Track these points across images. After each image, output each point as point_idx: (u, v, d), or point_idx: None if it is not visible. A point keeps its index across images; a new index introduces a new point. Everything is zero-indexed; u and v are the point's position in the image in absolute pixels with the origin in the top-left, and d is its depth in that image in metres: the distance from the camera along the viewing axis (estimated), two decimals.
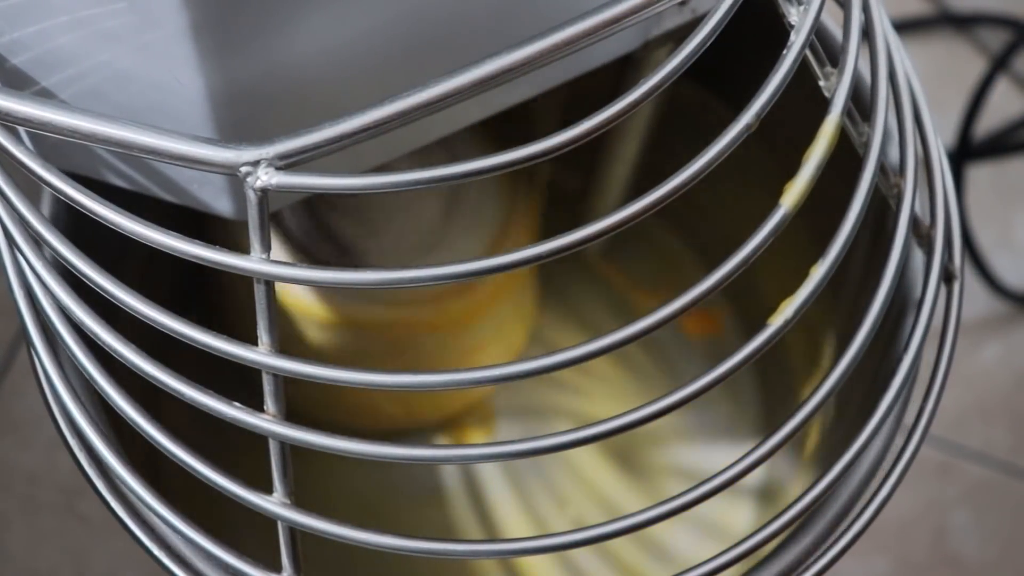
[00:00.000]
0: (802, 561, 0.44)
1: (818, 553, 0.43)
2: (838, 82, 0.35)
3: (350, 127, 0.31)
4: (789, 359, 0.63)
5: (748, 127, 0.33)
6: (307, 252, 0.57)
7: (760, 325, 0.35)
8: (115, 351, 0.36)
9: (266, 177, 0.32)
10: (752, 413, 0.68)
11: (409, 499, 0.66)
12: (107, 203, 0.33)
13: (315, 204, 0.57)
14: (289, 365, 0.34)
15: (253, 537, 0.42)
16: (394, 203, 0.58)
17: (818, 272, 0.35)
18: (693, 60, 0.33)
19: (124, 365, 0.36)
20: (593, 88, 0.49)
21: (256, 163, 0.32)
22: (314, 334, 0.58)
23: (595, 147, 0.61)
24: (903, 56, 0.42)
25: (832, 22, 0.48)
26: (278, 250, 0.57)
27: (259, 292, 0.34)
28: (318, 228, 0.57)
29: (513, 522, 0.66)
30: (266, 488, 0.36)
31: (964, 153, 0.76)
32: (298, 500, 0.36)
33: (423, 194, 0.58)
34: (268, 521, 0.37)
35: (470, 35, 0.40)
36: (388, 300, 0.58)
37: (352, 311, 0.58)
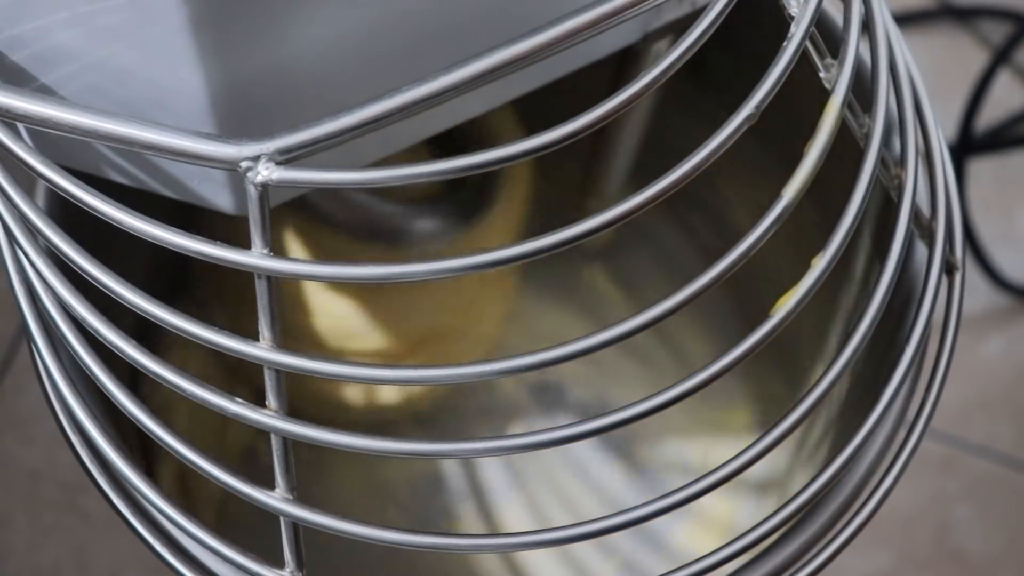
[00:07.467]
0: (803, 554, 0.44)
1: (819, 547, 0.43)
2: (839, 73, 0.35)
3: (351, 122, 0.31)
4: (791, 352, 0.63)
5: (749, 118, 0.33)
6: (351, 235, 0.56)
7: (762, 317, 0.35)
8: (115, 347, 0.36)
9: (266, 172, 0.32)
10: (753, 407, 0.68)
11: (410, 494, 0.66)
12: (108, 199, 0.33)
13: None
14: (291, 360, 0.34)
15: (255, 533, 0.42)
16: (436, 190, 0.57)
17: (819, 264, 0.35)
18: (693, 52, 0.33)
19: (125, 362, 0.36)
20: (593, 81, 0.49)
21: (256, 158, 0.32)
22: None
23: (595, 140, 0.61)
24: (904, 48, 0.42)
25: (832, 13, 0.48)
26: (318, 234, 0.56)
27: (260, 287, 0.34)
28: (358, 211, 0.56)
29: (514, 516, 0.66)
30: (268, 484, 0.36)
31: (965, 146, 0.76)
32: (300, 495, 0.36)
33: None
34: (271, 517, 0.37)
35: (471, 30, 0.40)
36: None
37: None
